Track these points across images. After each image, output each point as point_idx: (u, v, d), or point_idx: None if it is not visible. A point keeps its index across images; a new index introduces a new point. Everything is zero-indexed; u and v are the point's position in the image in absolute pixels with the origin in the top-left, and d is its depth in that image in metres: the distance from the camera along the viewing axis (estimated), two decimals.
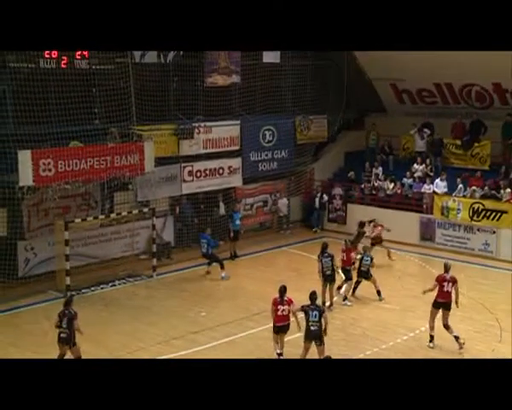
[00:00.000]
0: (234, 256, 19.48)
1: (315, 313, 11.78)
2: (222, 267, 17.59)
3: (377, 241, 18.78)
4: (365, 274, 15.90)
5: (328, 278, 15.02)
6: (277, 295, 12.29)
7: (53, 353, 12.47)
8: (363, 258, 16.00)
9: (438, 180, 20.76)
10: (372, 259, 16.03)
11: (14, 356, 12.44)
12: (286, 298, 12.21)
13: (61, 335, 11.41)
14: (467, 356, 12.67)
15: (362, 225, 18.68)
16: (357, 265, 16.08)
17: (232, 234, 19.51)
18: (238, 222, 19.58)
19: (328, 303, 15.01)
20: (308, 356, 12.06)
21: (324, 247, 15.36)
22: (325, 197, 22.60)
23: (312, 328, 11.78)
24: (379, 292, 15.80)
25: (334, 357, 12.31)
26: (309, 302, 11.94)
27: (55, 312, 15.00)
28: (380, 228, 18.95)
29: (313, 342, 11.84)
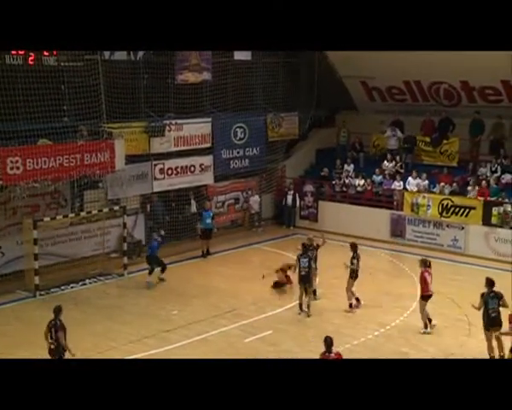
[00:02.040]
0: (206, 254, 19.44)
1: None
2: (162, 271, 17.25)
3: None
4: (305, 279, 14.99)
5: (303, 279, 14.90)
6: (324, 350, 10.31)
7: (24, 354, 12.33)
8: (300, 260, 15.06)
9: (410, 178, 20.99)
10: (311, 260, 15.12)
11: None
12: (333, 352, 10.29)
13: (51, 346, 11.11)
14: (434, 350, 12.88)
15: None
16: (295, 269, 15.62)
17: (202, 233, 19.50)
18: (209, 221, 19.46)
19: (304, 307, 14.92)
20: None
21: (307, 246, 15.25)
22: (295, 197, 22.58)
23: None
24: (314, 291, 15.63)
25: (306, 356, 12.44)
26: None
27: (24, 312, 14.93)
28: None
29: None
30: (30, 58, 16.02)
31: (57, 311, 11.32)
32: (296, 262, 15.20)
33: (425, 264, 13.90)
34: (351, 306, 15.10)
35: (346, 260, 15.14)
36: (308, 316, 14.79)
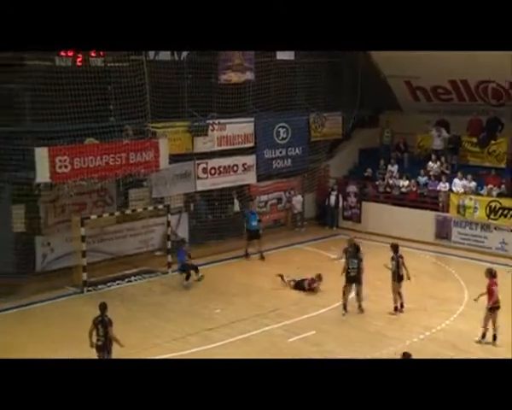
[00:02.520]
0: (260, 257, 19.21)
1: None
2: (196, 272, 17.14)
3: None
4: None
5: (353, 280, 14.81)
6: None
7: (69, 348, 12.61)
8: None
9: (456, 179, 20.62)
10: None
11: (34, 351, 12.52)
12: None
13: (98, 342, 11.29)
14: (483, 354, 12.61)
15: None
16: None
17: (247, 234, 19.31)
18: (254, 223, 19.20)
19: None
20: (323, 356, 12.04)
21: (355, 246, 15.14)
22: (338, 197, 22.45)
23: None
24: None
25: (349, 356, 12.37)
26: None
27: (72, 307, 15.26)
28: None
29: None
30: (78, 59, 16.35)
31: (103, 308, 11.50)
32: (345, 263, 15.06)
33: (491, 274, 13.24)
34: (396, 309, 14.92)
35: (387, 262, 14.97)
36: (361, 312, 14.81)
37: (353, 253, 14.96)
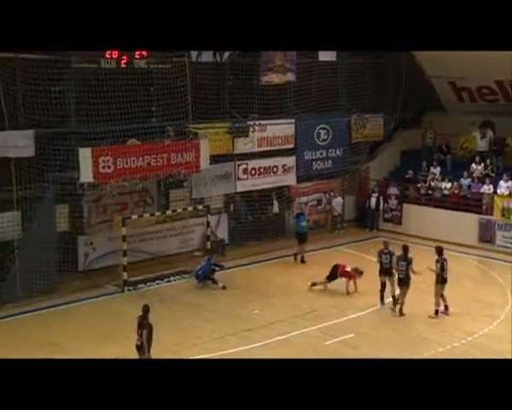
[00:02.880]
0: (301, 261, 18.93)
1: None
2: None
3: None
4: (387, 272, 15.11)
5: (401, 282, 14.76)
6: None
7: (111, 346, 12.83)
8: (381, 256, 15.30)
9: (501, 181, 20.17)
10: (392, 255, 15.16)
11: (76, 349, 12.81)
12: None
13: (137, 342, 11.42)
14: None
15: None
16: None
17: (296, 236, 19.03)
18: (304, 224, 19.05)
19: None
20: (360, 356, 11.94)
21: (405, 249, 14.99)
22: (379, 199, 22.25)
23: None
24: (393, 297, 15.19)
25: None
26: None
27: (112, 306, 15.53)
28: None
29: None
30: (122, 61, 16.60)
31: (145, 310, 11.51)
32: (395, 265, 14.94)
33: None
34: (436, 312, 14.69)
35: (431, 264, 14.76)
36: (402, 315, 14.71)
37: (402, 256, 14.84)
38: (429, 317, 14.62)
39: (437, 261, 14.64)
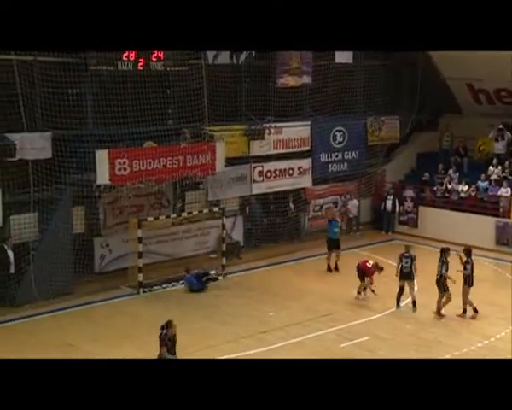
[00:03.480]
0: (335, 268, 18.28)
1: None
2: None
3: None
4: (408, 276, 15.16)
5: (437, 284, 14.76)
6: None
7: (128, 347, 12.90)
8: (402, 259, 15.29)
9: None
10: (413, 259, 15.22)
11: (92, 350, 12.90)
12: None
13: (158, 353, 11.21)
14: None
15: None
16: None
17: (328, 243, 18.38)
18: (336, 230, 18.46)
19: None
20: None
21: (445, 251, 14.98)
22: (395, 202, 22.14)
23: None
24: (414, 302, 15.17)
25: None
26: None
27: (127, 307, 15.61)
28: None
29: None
30: (139, 64, 16.68)
31: (167, 326, 11.06)
32: (437, 267, 14.83)
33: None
34: (465, 312, 14.72)
35: (458, 267, 14.77)
36: (441, 317, 14.72)
37: (441, 259, 14.77)
38: (458, 316, 14.66)
39: (467, 263, 14.66)
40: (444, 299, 14.83)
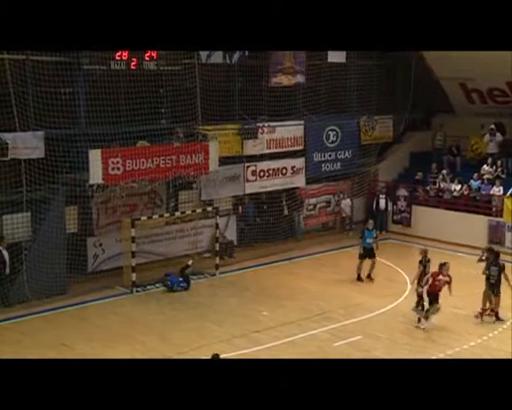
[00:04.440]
0: (368, 277, 17.48)
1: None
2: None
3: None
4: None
5: (492, 287, 14.50)
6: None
7: (122, 347, 12.89)
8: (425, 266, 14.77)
9: None
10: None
11: (86, 350, 12.88)
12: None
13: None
14: None
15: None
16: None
17: (362, 252, 17.50)
18: (370, 241, 17.47)
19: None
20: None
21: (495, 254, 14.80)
22: (388, 201, 22.17)
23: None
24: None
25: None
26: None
27: (122, 307, 15.57)
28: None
29: None
30: (132, 63, 16.64)
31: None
32: (484, 270, 14.74)
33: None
34: (482, 313, 14.70)
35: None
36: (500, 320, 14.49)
37: (494, 260, 14.62)
38: (476, 316, 14.67)
39: (493, 264, 14.52)
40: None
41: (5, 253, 15.18)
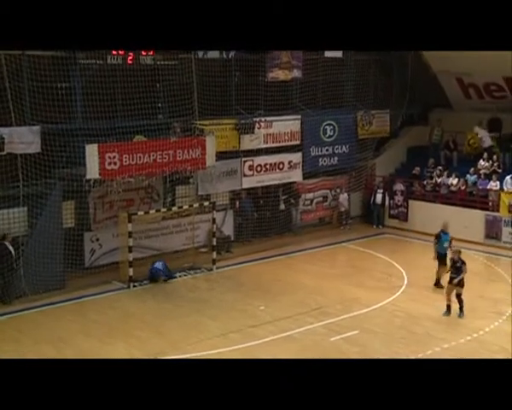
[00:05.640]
0: (437, 283, 16.25)
1: None
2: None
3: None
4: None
5: None
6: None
7: (119, 342, 12.91)
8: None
9: (508, 177, 20.09)
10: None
11: (83, 345, 12.90)
12: None
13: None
14: None
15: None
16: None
17: (438, 257, 16.21)
18: (446, 245, 16.17)
19: None
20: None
21: None
22: (385, 195, 22.20)
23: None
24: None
25: (393, 356, 12.25)
26: None
27: (119, 302, 15.59)
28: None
29: None
30: (129, 58, 16.61)
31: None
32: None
33: None
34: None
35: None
36: None
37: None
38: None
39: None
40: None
41: (11, 248, 15.17)
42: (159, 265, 16.89)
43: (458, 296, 14.34)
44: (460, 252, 14.66)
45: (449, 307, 14.46)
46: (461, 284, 14.32)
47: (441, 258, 16.10)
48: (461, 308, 14.40)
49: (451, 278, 14.39)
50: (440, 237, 16.26)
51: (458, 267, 14.31)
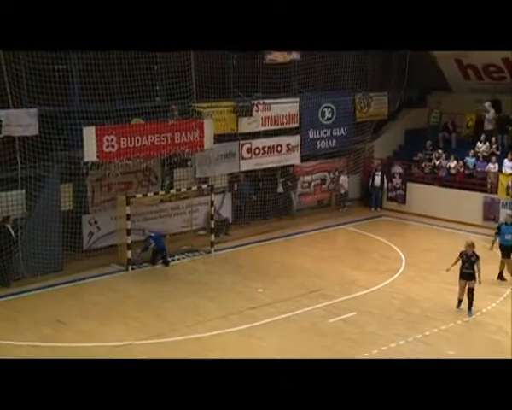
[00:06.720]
0: (500, 276, 15.66)
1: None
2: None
3: None
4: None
5: None
6: None
7: (118, 324, 12.95)
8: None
9: (506, 160, 20.09)
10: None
11: (82, 327, 12.95)
12: None
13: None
14: None
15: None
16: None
17: (501, 250, 15.68)
18: (509, 237, 15.46)
19: None
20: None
21: None
22: (383, 178, 22.21)
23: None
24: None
25: (390, 338, 12.33)
26: None
27: (118, 284, 15.63)
28: None
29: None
30: None
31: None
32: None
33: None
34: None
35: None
36: None
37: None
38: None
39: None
40: None
41: (12, 231, 15.17)
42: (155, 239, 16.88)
43: (470, 291, 13.73)
44: (474, 246, 14.01)
45: (460, 301, 13.90)
46: (478, 279, 13.79)
47: (505, 250, 15.54)
48: (470, 306, 13.67)
49: (464, 273, 13.70)
50: (501, 229, 15.71)
51: (472, 262, 13.70)
